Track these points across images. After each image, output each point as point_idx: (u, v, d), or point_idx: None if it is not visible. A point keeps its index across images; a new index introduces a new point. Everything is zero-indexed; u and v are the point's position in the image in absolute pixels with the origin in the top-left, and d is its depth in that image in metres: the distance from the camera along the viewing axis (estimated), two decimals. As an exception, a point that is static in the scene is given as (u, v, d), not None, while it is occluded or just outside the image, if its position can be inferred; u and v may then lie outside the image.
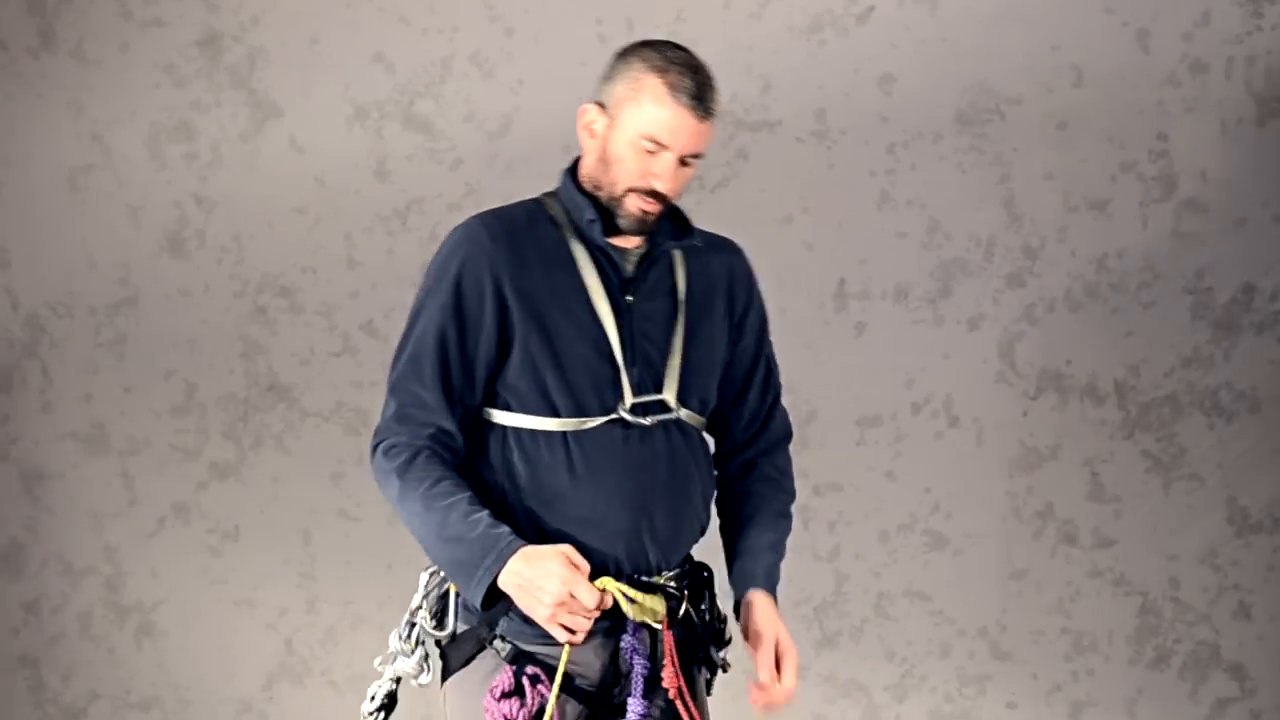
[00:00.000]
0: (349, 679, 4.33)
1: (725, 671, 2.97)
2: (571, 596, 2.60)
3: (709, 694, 2.99)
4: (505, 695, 2.71)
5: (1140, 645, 4.41)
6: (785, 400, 4.33)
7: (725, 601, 3.02)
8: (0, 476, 4.33)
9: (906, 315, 4.34)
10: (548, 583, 2.60)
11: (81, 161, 4.28)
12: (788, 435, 3.10)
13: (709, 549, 3.09)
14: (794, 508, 3.08)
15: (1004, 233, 4.33)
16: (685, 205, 4.32)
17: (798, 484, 4.34)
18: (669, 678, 2.75)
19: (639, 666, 2.75)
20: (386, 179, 4.30)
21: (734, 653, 3.06)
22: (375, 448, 2.76)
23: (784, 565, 4.38)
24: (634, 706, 2.74)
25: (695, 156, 2.76)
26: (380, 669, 2.91)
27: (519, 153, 4.26)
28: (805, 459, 4.35)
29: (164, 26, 4.27)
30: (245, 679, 4.38)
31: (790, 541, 4.36)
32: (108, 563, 4.35)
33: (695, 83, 2.72)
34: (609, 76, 2.77)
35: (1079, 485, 4.38)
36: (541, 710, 2.70)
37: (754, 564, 2.93)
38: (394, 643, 2.88)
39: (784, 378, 4.30)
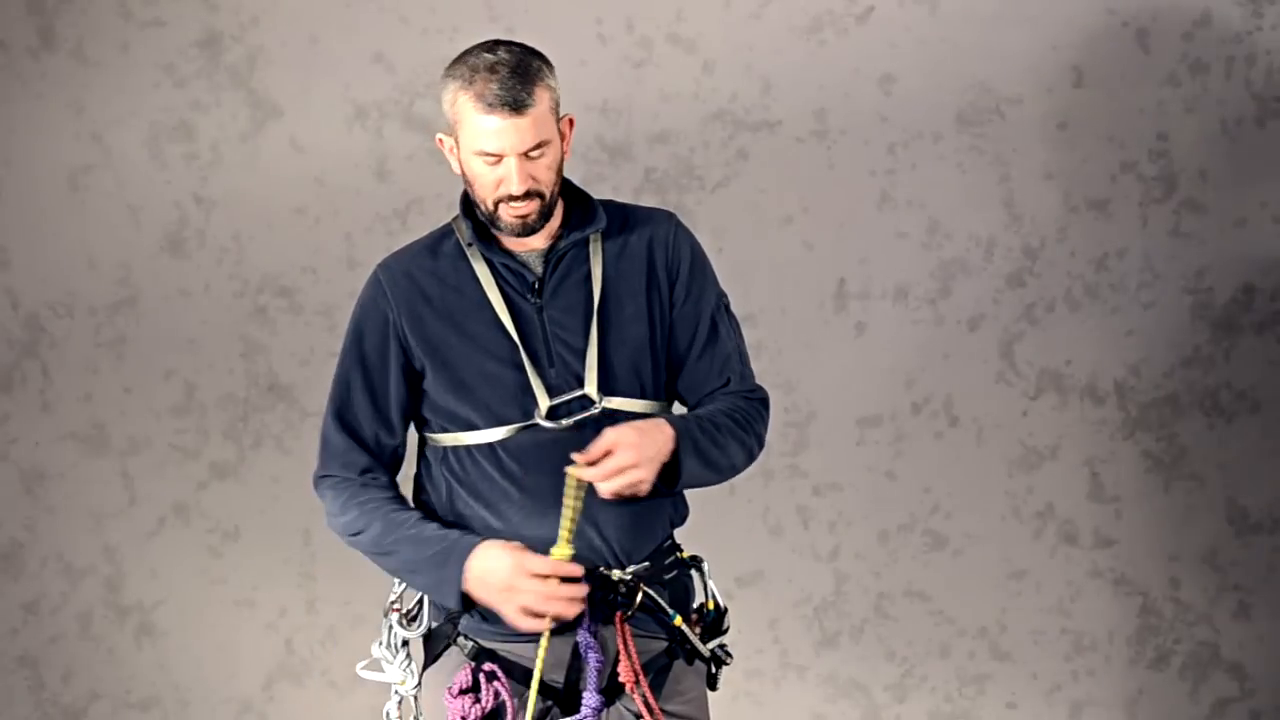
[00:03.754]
0: (349, 679, 4.32)
1: (726, 664, 2.95)
2: (530, 576, 2.68)
3: (714, 688, 2.96)
4: (462, 692, 2.77)
5: (1140, 645, 4.41)
6: (786, 400, 4.35)
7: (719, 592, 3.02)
8: (0, 476, 4.33)
9: (906, 315, 4.34)
10: (495, 575, 2.69)
11: (81, 161, 4.28)
12: (753, 392, 2.98)
13: (699, 543, 3.10)
14: (756, 447, 2.94)
15: (1004, 233, 4.33)
16: (687, 205, 4.34)
17: (798, 484, 4.38)
18: (625, 671, 2.75)
19: (593, 661, 2.77)
20: (386, 179, 4.30)
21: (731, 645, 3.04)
22: (318, 485, 2.95)
23: (784, 565, 4.41)
24: (588, 700, 2.78)
25: (541, 145, 2.76)
26: (361, 674, 2.96)
27: (519, 153, 4.27)
28: (805, 459, 4.37)
29: (164, 26, 4.27)
30: (245, 679, 4.38)
31: (790, 541, 4.39)
32: (108, 563, 4.35)
33: (500, 82, 2.73)
34: (440, 100, 2.82)
35: (1079, 485, 4.38)
36: (498, 707, 2.74)
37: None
38: (375, 650, 2.93)
39: (784, 378, 4.33)
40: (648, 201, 4.20)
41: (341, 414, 2.89)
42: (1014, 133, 4.31)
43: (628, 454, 2.70)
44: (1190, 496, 4.39)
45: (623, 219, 2.92)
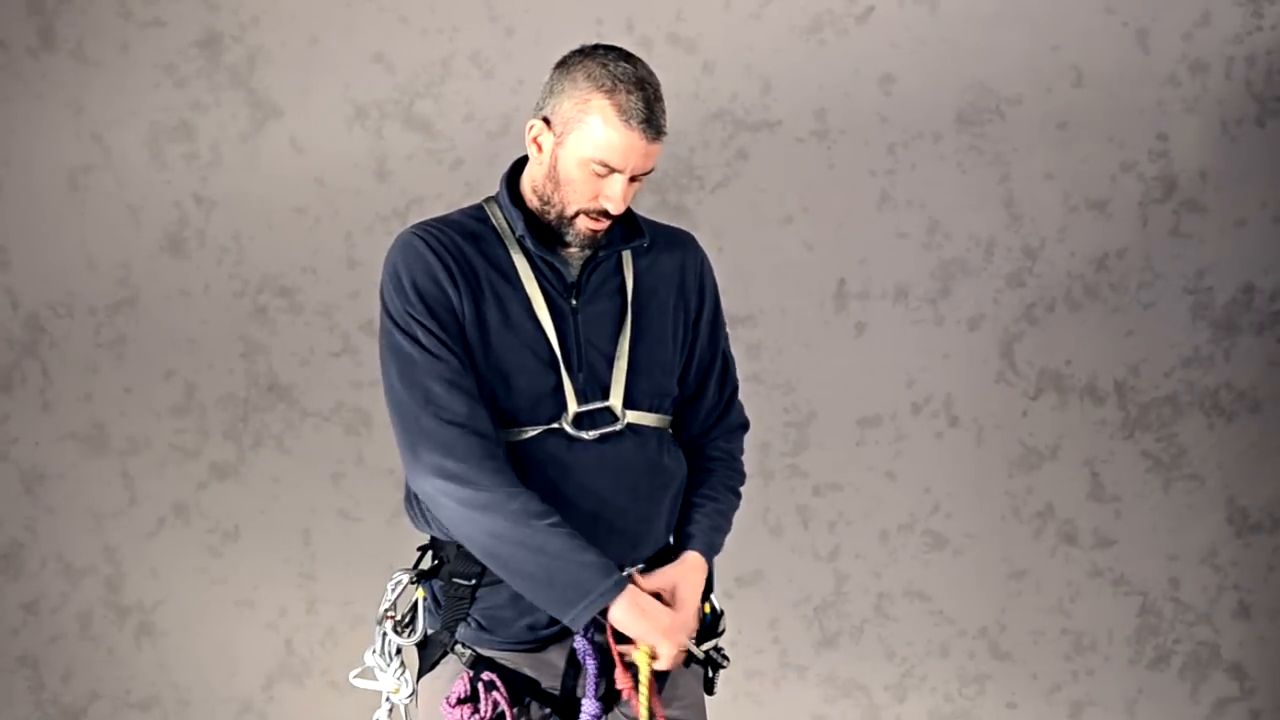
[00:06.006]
0: (349, 679, 4.33)
1: (723, 667, 2.94)
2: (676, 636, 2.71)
3: (711, 692, 2.95)
4: (460, 701, 2.72)
5: (1140, 645, 4.41)
6: (785, 400, 4.36)
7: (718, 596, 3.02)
8: (0, 476, 4.33)
9: (906, 315, 4.34)
10: (650, 634, 2.69)
11: (81, 161, 4.28)
12: (743, 425, 3.04)
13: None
14: (743, 489, 3.02)
15: (1004, 233, 4.33)
16: (687, 205, 4.34)
17: (798, 484, 4.38)
18: (620, 678, 2.73)
19: (591, 667, 2.75)
20: (386, 179, 4.30)
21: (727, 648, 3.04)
22: (448, 490, 2.66)
23: (784, 565, 4.41)
24: (587, 708, 2.75)
25: (646, 173, 2.73)
26: (355, 682, 2.93)
27: (519, 152, 4.23)
28: (805, 459, 4.37)
29: (164, 26, 4.27)
30: (245, 679, 4.38)
31: (790, 541, 4.40)
32: (108, 563, 4.35)
33: (645, 103, 2.68)
34: (553, 90, 2.72)
35: (1079, 485, 4.38)
36: (497, 716, 2.71)
37: (691, 526, 2.87)
38: (369, 658, 2.89)
39: (784, 378, 4.34)
40: (647, 201, 4.21)
41: (447, 379, 2.67)
42: (1014, 133, 4.31)
43: (685, 618, 2.77)
44: (1190, 496, 4.39)
45: (651, 234, 2.89)
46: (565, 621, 2.66)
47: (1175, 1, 4.28)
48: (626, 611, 2.66)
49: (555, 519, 2.65)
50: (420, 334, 2.70)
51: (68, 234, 4.30)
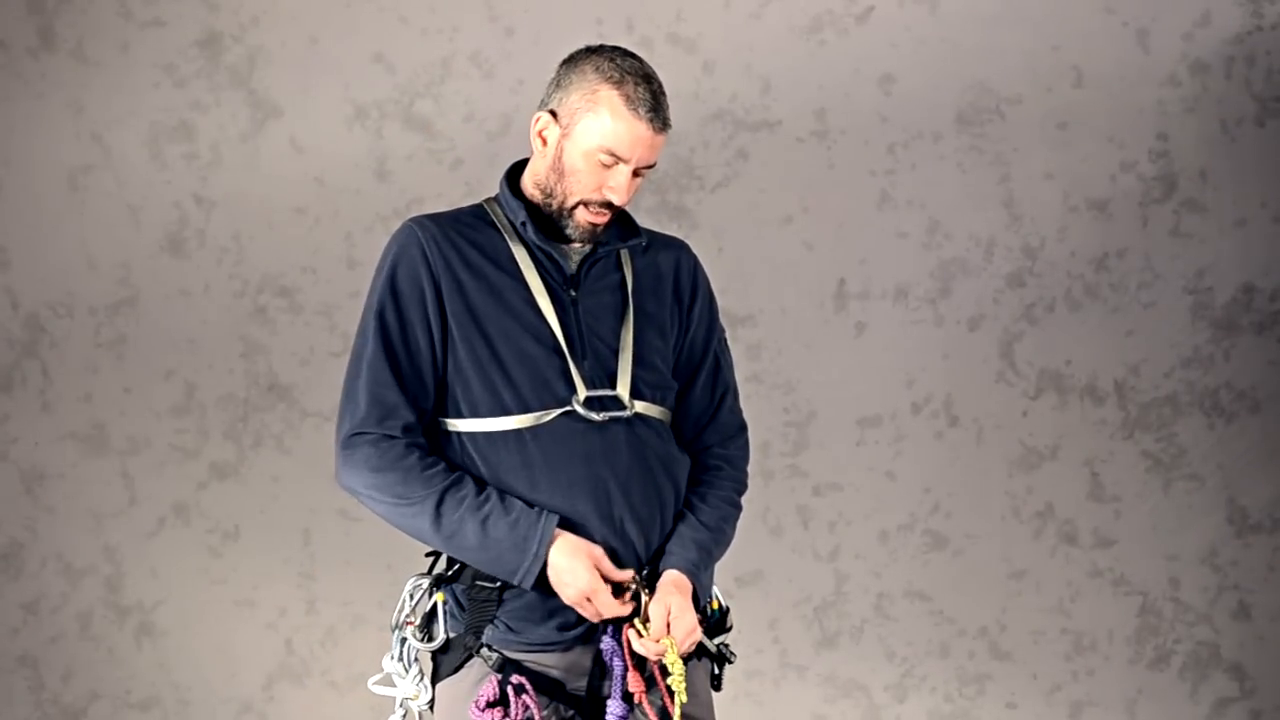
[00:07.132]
0: (349, 679, 4.33)
1: (731, 662, 2.94)
2: (589, 601, 2.69)
3: (718, 688, 2.95)
4: (490, 705, 2.70)
5: (1140, 645, 4.41)
6: (785, 400, 4.36)
7: (723, 593, 3.02)
8: (0, 476, 4.33)
9: (906, 315, 4.34)
10: (571, 586, 2.68)
11: (81, 161, 4.28)
12: (741, 428, 3.01)
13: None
14: (744, 498, 2.99)
15: (1004, 233, 4.33)
16: (687, 205, 4.35)
17: (798, 484, 4.38)
18: (632, 681, 2.73)
19: (617, 668, 2.74)
20: (386, 179, 4.30)
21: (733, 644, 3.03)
22: (349, 443, 2.75)
23: (784, 565, 4.41)
24: (613, 708, 2.73)
25: (649, 167, 2.77)
26: (374, 689, 2.91)
27: (519, 153, 4.21)
28: (805, 459, 4.37)
29: (164, 26, 4.27)
30: (245, 679, 4.38)
31: (790, 541, 4.40)
32: (108, 563, 4.35)
33: (652, 95, 2.75)
34: (560, 84, 2.78)
35: (1079, 485, 4.38)
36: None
37: (676, 545, 2.85)
38: (387, 664, 2.87)
39: (784, 378, 4.34)
40: (647, 201, 4.21)
41: (383, 367, 2.75)
42: (1014, 133, 4.31)
43: (688, 615, 2.75)
44: (1190, 496, 4.39)
45: (648, 238, 2.93)
46: (516, 584, 2.72)
47: (1175, 1, 4.29)
48: (559, 557, 2.69)
49: (466, 506, 2.70)
50: (386, 322, 2.77)
51: (68, 234, 4.30)
